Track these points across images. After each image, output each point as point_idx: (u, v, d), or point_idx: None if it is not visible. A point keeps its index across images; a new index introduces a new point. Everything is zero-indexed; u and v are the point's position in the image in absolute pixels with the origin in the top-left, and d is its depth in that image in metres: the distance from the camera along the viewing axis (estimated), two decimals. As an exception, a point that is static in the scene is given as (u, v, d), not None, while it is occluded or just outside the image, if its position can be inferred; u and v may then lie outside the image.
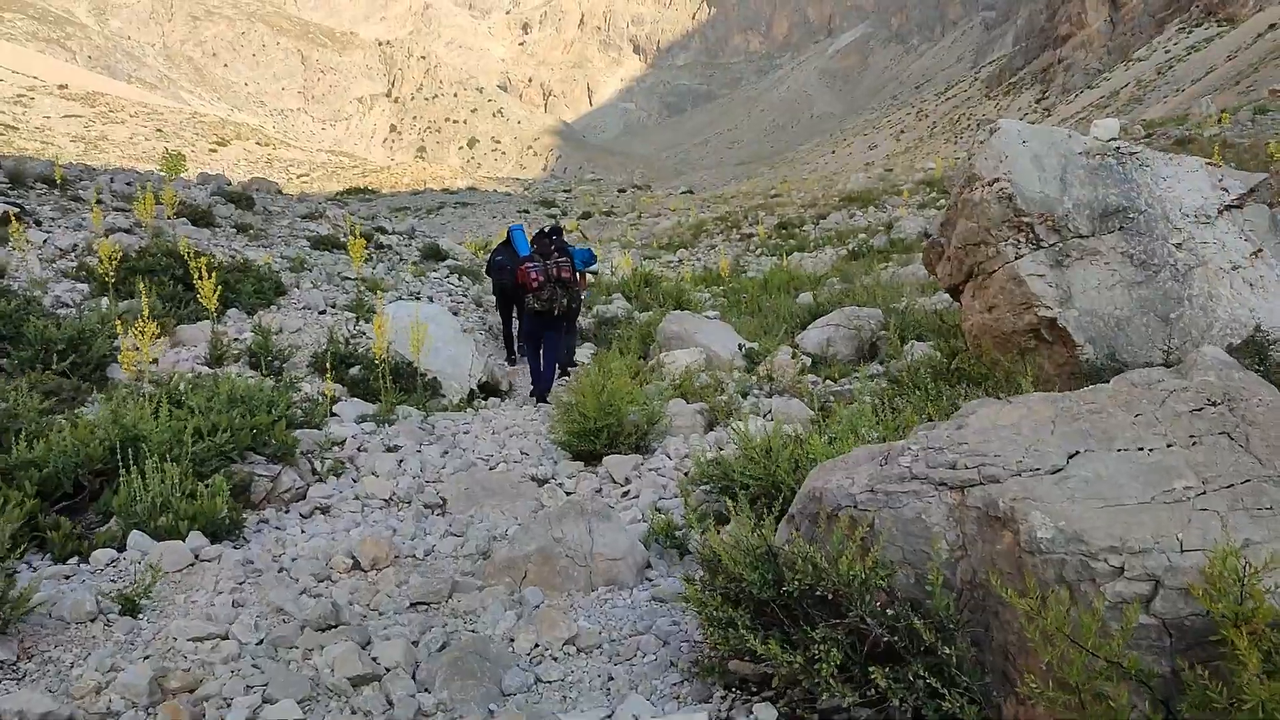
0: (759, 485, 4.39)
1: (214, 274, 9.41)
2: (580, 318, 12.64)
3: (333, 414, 7.49)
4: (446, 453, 6.63)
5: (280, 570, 4.19)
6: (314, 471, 5.90)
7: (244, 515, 4.97)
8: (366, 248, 14.11)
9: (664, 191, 64.50)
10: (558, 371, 9.62)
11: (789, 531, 3.11)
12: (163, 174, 12.57)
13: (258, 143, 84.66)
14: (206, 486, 4.65)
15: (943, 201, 25.43)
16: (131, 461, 4.57)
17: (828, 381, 8.61)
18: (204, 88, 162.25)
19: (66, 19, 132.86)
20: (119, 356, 5.79)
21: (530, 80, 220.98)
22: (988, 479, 2.73)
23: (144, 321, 5.76)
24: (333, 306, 10.36)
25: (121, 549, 4.24)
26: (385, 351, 8.27)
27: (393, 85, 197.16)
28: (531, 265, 8.65)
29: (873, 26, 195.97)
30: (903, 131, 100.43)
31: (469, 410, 8.31)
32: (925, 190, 31.77)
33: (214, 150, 75.04)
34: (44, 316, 7.45)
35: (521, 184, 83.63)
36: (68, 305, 8.68)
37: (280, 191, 19.60)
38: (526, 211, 45.96)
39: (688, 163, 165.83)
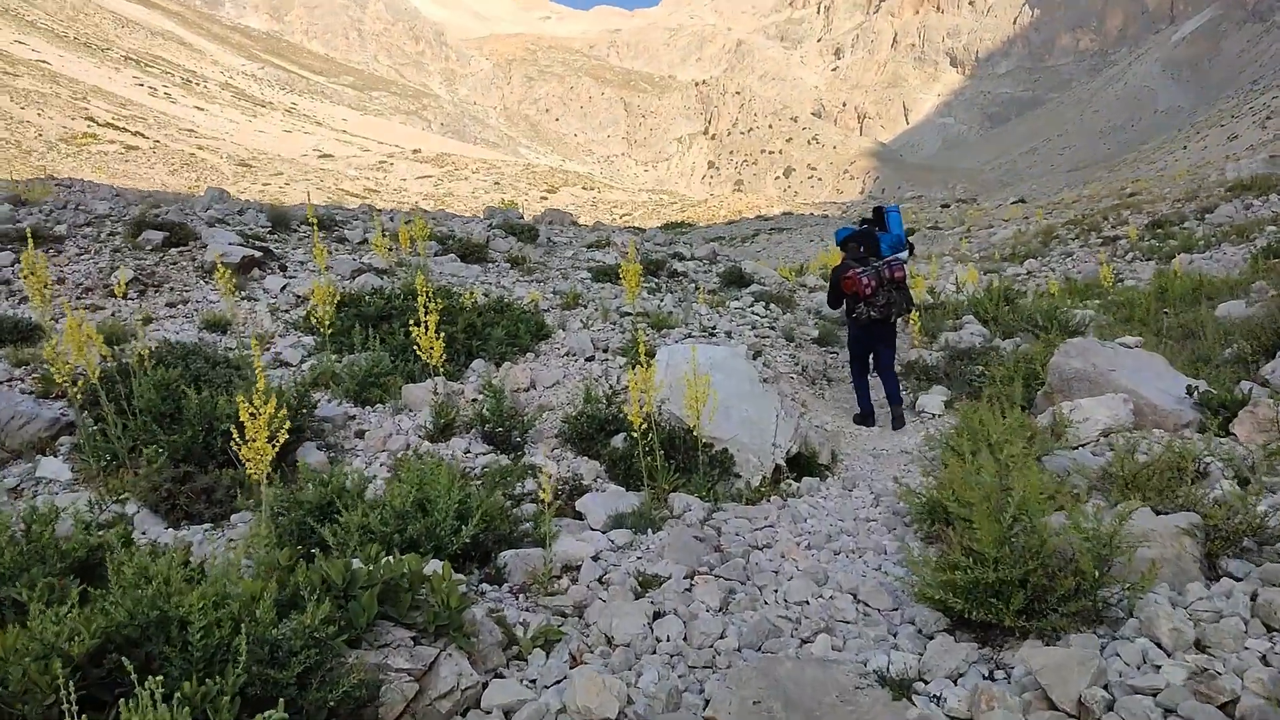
0: None
1: (459, 317, 7.60)
2: (926, 349, 9.67)
3: (575, 513, 5.17)
4: (732, 594, 4.03)
5: None
6: (510, 642, 3.51)
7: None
8: (658, 276, 11.99)
9: (992, 204, 58.66)
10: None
11: None
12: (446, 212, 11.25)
13: (584, 187, 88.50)
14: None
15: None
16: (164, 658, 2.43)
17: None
18: (539, 141, 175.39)
19: (423, 92, 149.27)
20: (242, 455, 3.82)
21: (844, 104, 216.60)
22: None
23: (262, 400, 3.71)
24: (604, 351, 8.17)
25: None
26: (655, 414, 5.89)
27: (709, 123, 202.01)
28: (860, 270, 7.69)
29: (1224, 8, 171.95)
30: (1269, 117, 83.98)
31: (773, 499, 5.66)
32: (1342, 170, 24.81)
33: (545, 198, 79.09)
34: (226, 384, 5.82)
35: (839, 206, 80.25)
36: (288, 364, 7.16)
37: (575, 223, 18.22)
38: (845, 232, 42.71)
39: (1013, 174, 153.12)
